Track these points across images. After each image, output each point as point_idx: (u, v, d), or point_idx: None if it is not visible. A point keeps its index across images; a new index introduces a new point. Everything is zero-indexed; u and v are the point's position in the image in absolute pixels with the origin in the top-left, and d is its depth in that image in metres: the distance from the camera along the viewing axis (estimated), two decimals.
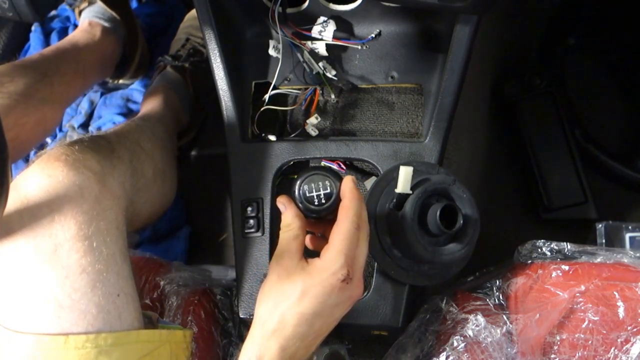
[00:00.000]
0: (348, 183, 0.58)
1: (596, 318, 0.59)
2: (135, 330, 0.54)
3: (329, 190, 0.59)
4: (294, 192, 0.59)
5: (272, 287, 0.54)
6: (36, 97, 0.80)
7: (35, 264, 0.50)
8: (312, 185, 0.59)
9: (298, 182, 0.59)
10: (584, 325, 0.59)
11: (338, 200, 0.58)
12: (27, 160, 0.95)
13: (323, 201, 0.58)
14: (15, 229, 0.50)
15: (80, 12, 1.04)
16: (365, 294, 0.69)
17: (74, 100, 0.98)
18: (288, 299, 0.52)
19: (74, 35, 1.00)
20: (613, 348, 0.58)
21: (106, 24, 1.01)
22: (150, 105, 0.95)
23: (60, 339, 0.49)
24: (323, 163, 0.75)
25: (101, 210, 0.53)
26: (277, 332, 0.52)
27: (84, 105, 1.11)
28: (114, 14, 1.03)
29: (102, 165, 0.56)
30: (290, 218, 0.58)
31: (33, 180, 0.51)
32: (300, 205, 0.59)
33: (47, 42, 1.15)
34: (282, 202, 0.59)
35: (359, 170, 0.76)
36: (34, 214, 0.50)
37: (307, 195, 0.59)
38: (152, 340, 0.56)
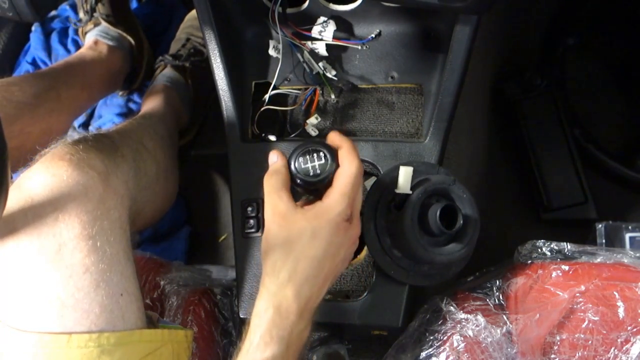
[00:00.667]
0: (337, 134, 0.61)
1: (596, 318, 0.59)
2: (138, 330, 0.54)
3: (323, 161, 0.59)
4: (290, 164, 0.60)
5: (278, 236, 0.55)
6: (43, 108, 0.81)
7: (39, 263, 0.50)
8: (307, 157, 0.59)
9: (293, 156, 0.60)
10: (584, 325, 0.59)
11: (333, 170, 0.59)
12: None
13: (318, 172, 0.59)
14: (19, 228, 0.50)
15: (85, 34, 1.05)
16: (365, 294, 0.69)
17: (81, 114, 1.00)
18: (298, 244, 0.54)
19: (81, 52, 1.02)
20: (613, 348, 0.58)
21: (111, 43, 1.02)
22: (152, 104, 0.95)
23: (63, 338, 0.49)
24: None
25: (105, 210, 0.54)
26: (292, 279, 0.54)
27: None
28: (119, 31, 1.04)
29: (106, 164, 0.56)
30: (278, 165, 0.60)
31: (37, 179, 0.51)
32: (297, 179, 0.60)
33: (47, 42, 1.15)
34: (274, 153, 0.61)
35: None
36: (38, 213, 0.50)
37: (302, 166, 0.59)
38: (155, 340, 0.56)
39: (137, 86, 1.11)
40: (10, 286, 0.51)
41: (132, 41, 1.05)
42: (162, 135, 0.80)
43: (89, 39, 1.04)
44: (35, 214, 0.50)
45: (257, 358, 0.53)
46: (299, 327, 0.54)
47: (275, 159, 0.61)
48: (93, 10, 1.04)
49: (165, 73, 1.03)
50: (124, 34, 1.04)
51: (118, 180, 0.57)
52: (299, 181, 0.60)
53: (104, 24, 1.03)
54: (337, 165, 0.59)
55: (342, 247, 0.57)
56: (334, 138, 0.61)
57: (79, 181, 0.52)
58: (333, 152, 0.59)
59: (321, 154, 0.59)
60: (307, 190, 0.62)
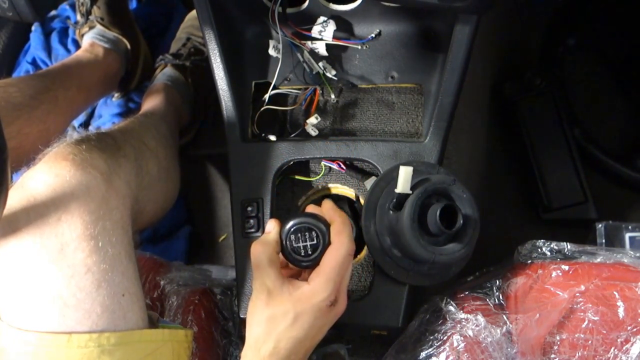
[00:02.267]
0: (330, 205, 0.61)
1: (596, 318, 0.59)
2: (139, 330, 0.54)
3: (315, 242, 0.59)
4: (281, 239, 0.60)
5: (263, 312, 0.57)
6: (40, 109, 0.82)
7: (41, 262, 0.50)
8: (299, 235, 0.59)
9: (286, 230, 0.60)
10: (584, 325, 0.59)
11: (324, 252, 0.59)
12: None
13: (309, 252, 0.59)
14: (21, 227, 0.50)
15: (82, 36, 1.05)
16: (365, 294, 0.69)
17: (78, 115, 1.01)
18: (281, 325, 0.56)
19: (77, 54, 1.02)
20: (613, 348, 0.58)
21: (107, 45, 1.02)
22: (153, 103, 0.95)
23: (63, 338, 0.50)
24: (323, 163, 0.75)
25: (107, 210, 0.54)
26: (273, 356, 0.55)
27: None
28: (114, 33, 1.04)
29: (108, 164, 0.56)
30: (271, 237, 0.60)
31: (40, 179, 0.51)
32: (287, 256, 0.60)
33: (47, 42, 1.15)
34: (271, 222, 0.62)
35: (359, 170, 0.76)
36: (41, 213, 0.50)
37: (294, 245, 0.59)
38: (155, 339, 0.56)
39: (133, 88, 1.11)
40: (11, 285, 0.51)
41: (128, 44, 1.06)
42: (163, 134, 0.81)
43: (85, 42, 1.04)
44: (37, 213, 0.50)
45: None
46: None
47: (270, 228, 0.61)
48: (89, 13, 1.04)
49: (165, 72, 1.03)
50: (120, 37, 1.05)
51: (120, 180, 0.57)
52: (289, 258, 0.60)
53: (98, 26, 1.04)
54: (329, 243, 0.59)
55: (324, 326, 0.59)
56: (327, 211, 0.62)
57: (81, 181, 0.52)
58: (327, 229, 0.59)
59: (313, 233, 0.59)
60: (296, 266, 0.62)
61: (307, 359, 0.59)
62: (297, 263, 0.60)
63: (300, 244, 0.59)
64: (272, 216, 0.72)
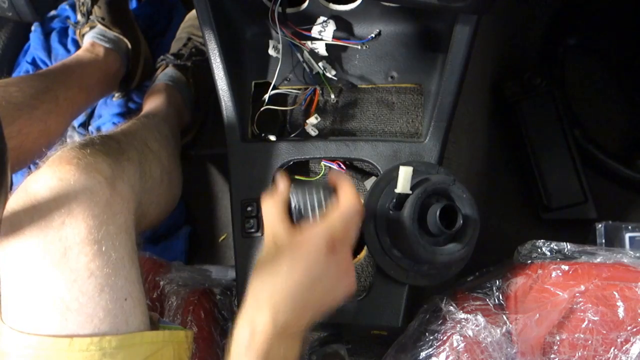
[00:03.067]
0: (337, 173, 0.62)
1: (596, 318, 0.59)
2: (139, 332, 0.54)
3: (323, 204, 0.59)
4: (289, 204, 0.60)
5: (266, 262, 0.56)
6: (41, 109, 0.82)
7: (44, 266, 0.50)
8: (307, 198, 0.59)
9: (292, 194, 0.60)
10: (583, 325, 0.59)
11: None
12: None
13: (317, 212, 0.59)
14: (25, 230, 0.50)
15: (82, 36, 1.06)
16: (365, 294, 0.69)
17: (78, 115, 1.01)
18: (279, 271, 0.55)
19: (78, 54, 1.02)
20: (613, 348, 0.58)
21: (108, 45, 1.02)
22: (154, 104, 0.95)
23: (64, 341, 0.49)
24: (323, 163, 0.75)
25: (111, 215, 0.54)
26: (268, 304, 0.53)
27: None
28: (115, 33, 1.04)
29: (112, 168, 0.56)
30: (281, 189, 0.60)
31: (44, 183, 0.51)
32: (294, 214, 0.60)
33: (47, 42, 1.15)
34: (280, 177, 0.62)
35: (359, 170, 0.76)
36: (44, 216, 0.50)
37: (302, 206, 0.59)
38: (156, 341, 0.56)
39: (134, 87, 1.11)
40: (14, 288, 0.51)
41: (129, 43, 1.06)
42: (165, 135, 0.81)
43: (86, 41, 1.04)
44: (41, 217, 0.50)
45: None
46: (278, 349, 0.53)
47: (279, 181, 0.62)
48: (89, 12, 1.04)
49: (167, 72, 1.03)
50: (121, 36, 1.05)
51: (124, 184, 0.57)
52: (295, 219, 0.60)
53: (99, 26, 1.04)
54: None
55: (323, 279, 0.56)
56: (337, 176, 0.61)
57: (85, 185, 0.52)
58: (332, 192, 0.60)
59: (321, 195, 0.59)
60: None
61: (306, 316, 0.56)
62: (303, 222, 0.60)
63: (309, 206, 0.59)
64: None
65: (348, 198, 0.58)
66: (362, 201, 0.67)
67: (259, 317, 0.53)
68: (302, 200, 0.59)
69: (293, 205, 0.60)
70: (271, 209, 0.59)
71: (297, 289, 0.54)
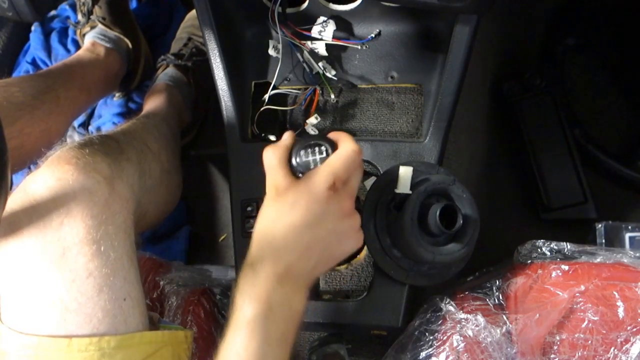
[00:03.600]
0: (337, 132, 0.61)
1: (596, 318, 0.59)
2: (139, 332, 0.54)
3: (324, 155, 0.59)
4: (291, 160, 0.60)
5: (268, 207, 0.57)
6: (42, 109, 0.82)
7: (42, 266, 0.50)
8: (309, 150, 0.59)
9: (294, 149, 0.60)
10: (583, 325, 0.59)
11: None
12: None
13: (319, 165, 0.59)
14: (23, 230, 0.50)
15: (83, 36, 1.06)
16: (365, 294, 0.69)
17: (79, 115, 1.01)
18: (280, 212, 0.55)
19: (78, 54, 1.02)
20: (613, 348, 0.58)
21: (108, 45, 1.02)
22: (154, 104, 0.95)
23: (63, 342, 0.49)
24: None
25: (110, 215, 0.53)
26: (270, 245, 0.54)
27: None
28: (116, 33, 1.04)
29: (112, 168, 0.56)
30: (284, 141, 0.60)
31: (43, 183, 0.51)
32: (297, 172, 0.59)
33: (47, 42, 1.15)
34: (288, 133, 0.62)
35: None
36: (43, 216, 0.50)
37: (303, 160, 0.59)
38: (155, 341, 0.56)
39: (134, 87, 1.11)
40: (12, 288, 0.51)
41: (129, 43, 1.06)
42: (166, 135, 0.80)
43: (86, 41, 1.04)
44: (40, 216, 0.50)
45: (240, 318, 0.52)
46: (281, 294, 0.53)
47: (286, 136, 0.62)
48: (90, 12, 1.05)
49: (167, 72, 1.03)
50: (121, 36, 1.05)
51: (123, 184, 0.57)
52: (299, 175, 0.60)
53: (100, 26, 1.04)
54: None
55: (324, 217, 0.56)
56: (335, 133, 0.62)
57: (84, 185, 0.52)
58: (334, 146, 0.59)
59: (322, 148, 0.59)
60: None
61: (308, 259, 0.56)
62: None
63: (310, 158, 0.59)
64: None
65: (347, 142, 0.58)
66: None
67: (262, 257, 0.53)
68: (304, 154, 0.59)
69: (294, 160, 0.59)
70: (272, 156, 0.59)
71: (298, 228, 0.55)
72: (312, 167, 0.59)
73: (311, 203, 0.55)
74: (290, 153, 0.60)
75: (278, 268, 0.53)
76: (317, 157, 0.59)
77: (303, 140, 0.60)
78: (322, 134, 0.61)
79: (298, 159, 0.59)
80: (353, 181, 0.59)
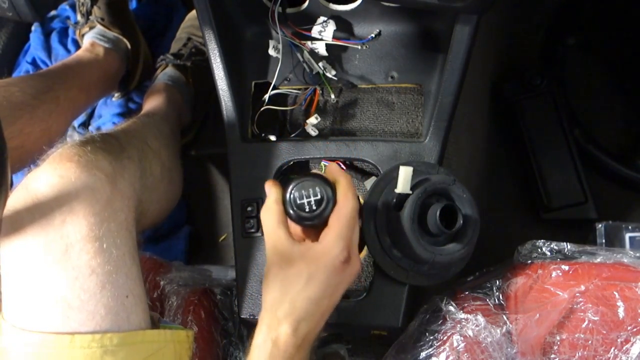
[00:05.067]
0: (335, 168, 0.61)
1: (596, 318, 0.59)
2: (141, 331, 0.54)
3: (319, 197, 0.58)
4: (285, 200, 0.59)
5: (277, 275, 0.56)
6: (42, 109, 0.82)
7: (45, 263, 0.50)
8: (303, 192, 0.58)
9: (289, 189, 0.59)
10: (584, 325, 0.59)
11: (329, 206, 0.58)
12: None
13: (314, 208, 0.58)
14: (26, 228, 0.50)
15: (82, 36, 1.06)
16: (365, 294, 0.69)
17: (79, 115, 1.01)
18: (295, 286, 0.55)
19: (78, 54, 1.02)
20: (613, 348, 0.58)
21: (107, 45, 1.03)
22: (154, 103, 0.95)
23: (66, 338, 0.50)
24: (323, 163, 0.75)
25: (112, 212, 0.54)
26: (289, 317, 0.54)
27: None
28: (115, 33, 1.04)
29: (113, 166, 0.56)
30: (273, 200, 0.59)
31: (44, 180, 0.51)
32: (291, 212, 0.59)
33: (47, 42, 1.15)
34: (269, 185, 0.60)
35: (359, 170, 0.76)
36: (45, 214, 0.50)
37: (298, 202, 0.58)
38: (157, 340, 0.56)
39: (133, 88, 1.11)
40: (15, 285, 0.51)
41: (128, 43, 1.06)
42: (166, 134, 0.81)
43: (85, 41, 1.04)
44: (42, 214, 0.50)
45: None
46: (298, 358, 0.55)
47: (269, 190, 0.60)
48: (89, 13, 1.05)
49: (166, 72, 1.03)
50: (120, 37, 1.05)
51: (125, 181, 0.57)
52: (293, 216, 0.59)
53: (99, 26, 1.04)
54: (334, 202, 0.58)
55: (340, 285, 0.57)
56: (332, 171, 0.61)
57: (86, 183, 0.52)
58: (330, 188, 0.59)
59: (317, 189, 0.58)
60: (301, 224, 0.61)
61: (323, 321, 0.58)
62: (302, 221, 0.59)
63: (305, 200, 0.58)
64: None
65: (348, 197, 0.58)
66: (361, 200, 0.67)
67: (281, 330, 0.54)
68: (298, 196, 0.58)
69: (289, 204, 0.59)
70: (268, 217, 0.58)
71: (317, 301, 0.55)
72: (306, 209, 0.58)
73: (330, 277, 0.56)
74: (283, 194, 0.59)
75: (297, 338, 0.54)
76: (312, 199, 0.58)
77: (298, 178, 0.59)
78: (315, 173, 0.61)
79: (292, 199, 0.59)
80: (355, 240, 0.59)
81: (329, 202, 0.58)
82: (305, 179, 0.59)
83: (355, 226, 0.58)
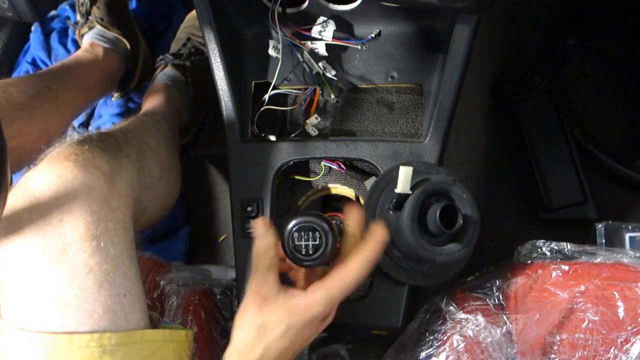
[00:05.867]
0: (359, 217, 0.58)
1: (596, 318, 0.59)
2: (140, 330, 0.54)
3: (317, 242, 0.56)
4: (283, 235, 0.57)
5: (255, 318, 0.55)
6: (41, 109, 0.82)
7: (43, 263, 0.50)
8: (303, 233, 0.57)
9: (289, 227, 0.57)
10: (583, 325, 0.59)
11: (326, 256, 0.56)
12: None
13: (311, 252, 0.56)
14: (23, 227, 0.50)
15: (82, 36, 1.06)
16: (365, 294, 0.69)
17: (78, 115, 1.01)
18: (272, 334, 0.55)
19: (77, 54, 1.02)
20: (613, 348, 0.58)
21: (107, 45, 1.03)
22: (153, 103, 0.95)
23: (64, 338, 0.50)
24: (323, 163, 0.75)
25: (110, 211, 0.54)
26: None
27: None
28: (114, 34, 1.04)
29: (111, 165, 0.56)
30: (268, 242, 0.57)
31: (42, 179, 0.51)
32: (287, 250, 0.57)
33: (47, 42, 1.15)
34: (260, 225, 0.57)
35: (359, 170, 0.76)
36: (43, 213, 0.50)
37: (296, 243, 0.57)
38: (156, 340, 0.56)
39: (133, 88, 1.11)
40: (13, 285, 0.51)
41: (128, 44, 1.06)
42: (164, 134, 0.81)
43: (85, 42, 1.04)
44: (40, 213, 0.50)
45: None
46: None
47: (264, 232, 0.57)
48: (88, 13, 1.05)
49: (166, 72, 1.03)
50: (120, 37, 1.05)
51: (123, 180, 0.57)
52: (288, 254, 0.57)
53: (98, 27, 1.04)
54: (333, 250, 0.56)
55: (310, 338, 0.58)
56: (354, 221, 0.58)
57: (84, 182, 0.52)
58: (332, 234, 0.56)
59: (317, 234, 0.56)
60: (295, 264, 0.59)
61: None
62: (298, 262, 0.58)
63: (302, 243, 0.57)
64: (272, 216, 0.72)
65: (359, 264, 0.55)
66: (361, 201, 0.66)
67: None
68: (297, 237, 0.57)
69: (287, 241, 0.57)
70: (258, 261, 0.57)
71: (288, 350, 0.56)
72: (303, 252, 0.56)
73: (305, 330, 0.56)
74: (282, 230, 0.57)
75: None
76: (310, 242, 0.56)
77: (298, 219, 0.57)
78: (318, 213, 0.58)
79: (290, 239, 0.57)
80: (341, 298, 0.57)
81: (325, 250, 0.56)
82: (306, 221, 0.57)
83: (349, 291, 0.56)
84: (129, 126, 0.73)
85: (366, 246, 0.56)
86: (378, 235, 0.57)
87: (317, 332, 0.59)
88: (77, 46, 1.12)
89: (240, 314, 0.57)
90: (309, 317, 0.55)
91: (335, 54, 0.77)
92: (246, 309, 0.56)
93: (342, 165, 0.75)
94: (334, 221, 0.60)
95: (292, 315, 0.55)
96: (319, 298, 0.55)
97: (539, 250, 0.68)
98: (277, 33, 0.74)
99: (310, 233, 0.57)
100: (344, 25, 0.76)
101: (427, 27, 0.76)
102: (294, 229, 0.57)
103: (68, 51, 1.13)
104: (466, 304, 0.68)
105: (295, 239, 0.57)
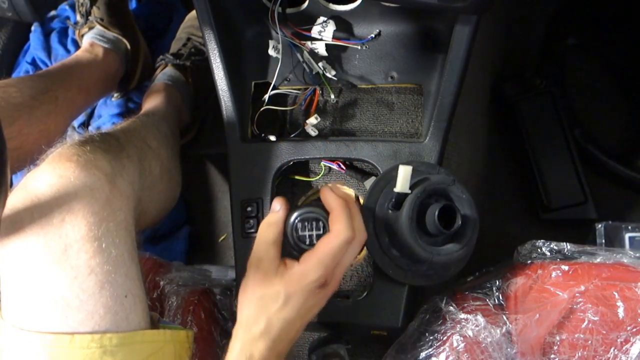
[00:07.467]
0: (330, 194, 0.60)
1: (596, 318, 0.59)
2: (141, 331, 0.54)
3: (321, 232, 0.59)
4: (287, 225, 0.59)
5: (254, 292, 0.58)
6: (41, 109, 0.82)
7: (44, 263, 0.50)
8: (306, 224, 0.59)
9: (293, 217, 0.59)
10: (583, 326, 0.59)
11: None
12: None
13: (314, 242, 0.59)
14: (25, 228, 0.50)
15: (82, 36, 1.06)
16: (365, 294, 0.69)
17: (78, 115, 1.01)
18: (272, 306, 0.57)
19: (77, 55, 1.02)
20: (613, 348, 0.58)
21: (107, 45, 1.03)
22: (153, 103, 0.95)
23: (65, 338, 0.50)
24: (323, 163, 0.75)
25: (111, 212, 0.54)
26: (264, 335, 0.56)
27: None
28: (114, 34, 1.04)
29: (112, 165, 0.56)
30: (277, 218, 0.60)
31: (44, 180, 0.51)
32: (291, 240, 0.59)
33: (47, 42, 1.15)
34: (278, 202, 0.62)
35: (359, 170, 0.76)
36: (44, 213, 0.50)
37: (300, 233, 0.59)
38: (157, 340, 0.56)
39: (133, 88, 1.11)
40: (15, 285, 0.51)
41: (128, 44, 1.06)
42: (165, 134, 0.81)
43: (85, 42, 1.04)
44: (41, 214, 0.50)
45: None
46: None
47: (277, 207, 0.61)
48: (88, 13, 1.05)
49: (166, 72, 1.03)
50: (120, 37, 1.05)
51: (124, 181, 0.57)
52: (291, 243, 0.59)
53: (98, 27, 1.04)
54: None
55: (314, 307, 0.59)
56: (326, 199, 0.61)
57: (85, 182, 0.52)
58: (327, 219, 0.59)
59: (320, 224, 0.59)
60: (297, 252, 0.61)
61: (297, 337, 0.60)
62: (301, 252, 0.59)
63: (306, 233, 0.59)
64: None
65: (339, 229, 0.58)
66: (361, 201, 0.67)
67: (256, 347, 0.56)
68: (301, 227, 0.59)
69: (291, 230, 0.59)
70: (266, 233, 0.59)
71: (292, 321, 0.57)
72: (307, 242, 0.59)
73: (305, 300, 0.57)
74: (286, 220, 0.60)
75: (272, 355, 0.57)
76: (314, 232, 0.59)
77: (302, 210, 0.59)
78: (319, 203, 0.60)
79: (294, 229, 0.59)
80: (341, 268, 0.60)
81: None
82: (310, 211, 0.59)
83: (343, 256, 0.58)
84: (130, 126, 0.73)
85: (342, 209, 0.59)
86: (348, 197, 0.61)
87: (321, 301, 0.59)
88: (77, 46, 1.12)
89: (242, 291, 0.59)
90: (304, 284, 0.57)
91: (335, 54, 0.77)
92: (247, 284, 0.59)
93: (342, 166, 0.75)
94: None
95: (289, 285, 0.57)
96: (311, 264, 0.57)
97: (539, 250, 0.68)
98: (277, 33, 0.74)
99: (314, 223, 0.59)
100: (343, 25, 0.76)
101: (427, 27, 0.76)
102: (297, 219, 0.59)
103: (68, 51, 1.14)
104: (466, 304, 0.68)
105: (299, 230, 0.59)
